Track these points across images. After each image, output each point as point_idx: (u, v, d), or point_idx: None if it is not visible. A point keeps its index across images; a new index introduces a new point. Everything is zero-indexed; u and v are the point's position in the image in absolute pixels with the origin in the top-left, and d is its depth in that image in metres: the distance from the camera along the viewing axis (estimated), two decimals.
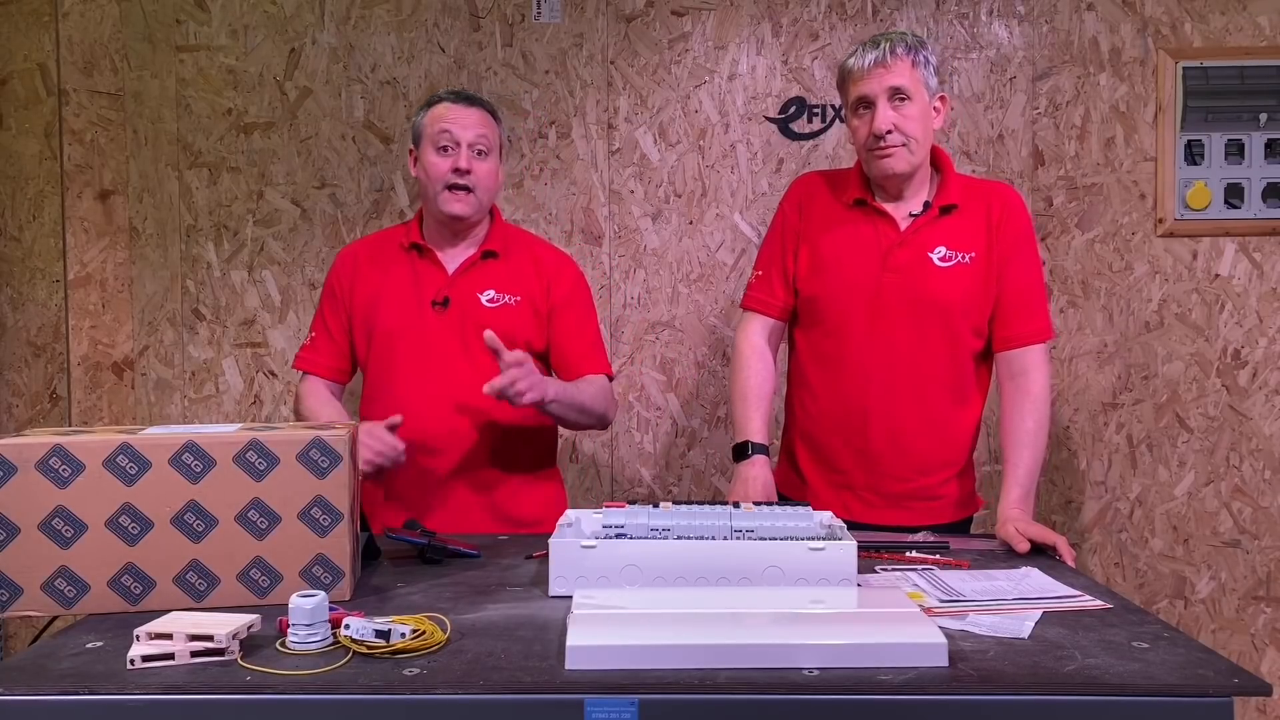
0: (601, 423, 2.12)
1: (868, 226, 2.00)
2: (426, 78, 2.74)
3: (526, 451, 2.10)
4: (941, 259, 1.97)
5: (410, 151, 2.11)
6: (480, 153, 2.02)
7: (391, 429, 1.90)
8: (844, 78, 1.99)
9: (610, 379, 2.14)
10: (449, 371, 2.03)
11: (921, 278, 1.96)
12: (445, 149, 2.00)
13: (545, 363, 2.12)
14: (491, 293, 2.06)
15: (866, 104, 1.94)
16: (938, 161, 2.04)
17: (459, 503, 2.04)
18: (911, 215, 1.99)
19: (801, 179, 2.15)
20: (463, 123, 2.01)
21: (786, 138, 2.76)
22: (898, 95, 1.92)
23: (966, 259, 1.97)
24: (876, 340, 1.97)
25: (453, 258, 2.09)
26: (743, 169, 2.76)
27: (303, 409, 2.09)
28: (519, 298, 2.08)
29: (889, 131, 1.92)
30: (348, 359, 2.14)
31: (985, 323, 1.99)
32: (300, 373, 2.15)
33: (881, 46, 1.93)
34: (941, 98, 1.99)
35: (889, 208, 2.00)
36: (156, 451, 1.43)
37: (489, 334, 1.86)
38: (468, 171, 1.99)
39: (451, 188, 2.00)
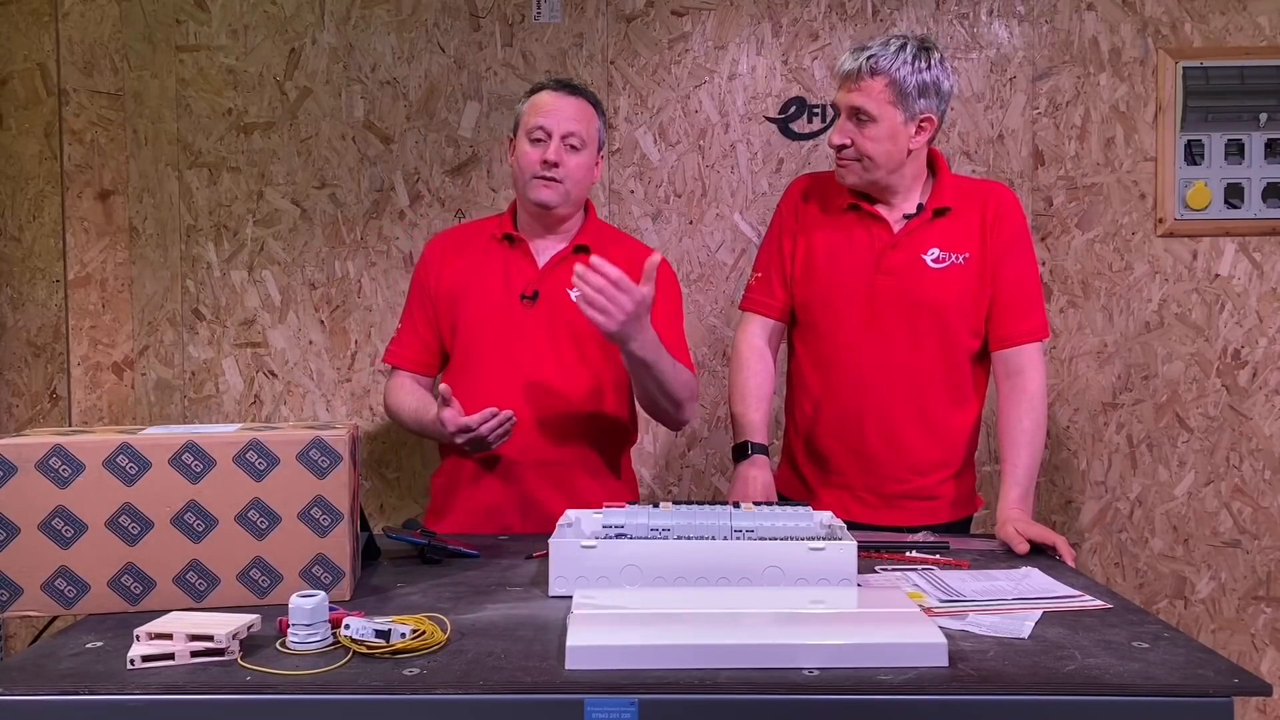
0: (679, 413, 2.02)
1: (861, 229, 2.01)
2: (426, 78, 2.74)
3: (604, 449, 2.08)
4: (935, 260, 1.97)
5: (509, 140, 2.08)
6: (572, 147, 1.98)
7: (446, 401, 1.85)
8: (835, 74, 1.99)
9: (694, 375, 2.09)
10: (534, 366, 2.00)
11: (915, 279, 1.96)
12: (539, 140, 1.98)
13: None
14: None
15: (838, 112, 1.96)
16: (932, 163, 2.03)
17: (538, 499, 2.00)
18: (905, 217, 1.99)
19: (798, 181, 2.15)
20: (558, 115, 1.98)
21: (786, 138, 2.76)
22: (861, 114, 1.91)
23: (960, 260, 1.97)
24: (871, 342, 1.98)
25: (544, 250, 2.06)
26: (743, 169, 2.76)
27: (390, 404, 2.09)
28: None
29: (843, 146, 1.93)
30: (434, 353, 2.10)
31: (982, 323, 1.99)
32: (390, 368, 2.14)
33: (860, 60, 1.89)
34: (928, 119, 1.93)
35: (882, 210, 2.00)
36: (156, 451, 1.43)
37: (595, 259, 1.76)
38: (555, 164, 1.96)
39: (539, 176, 1.97)
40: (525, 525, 1.98)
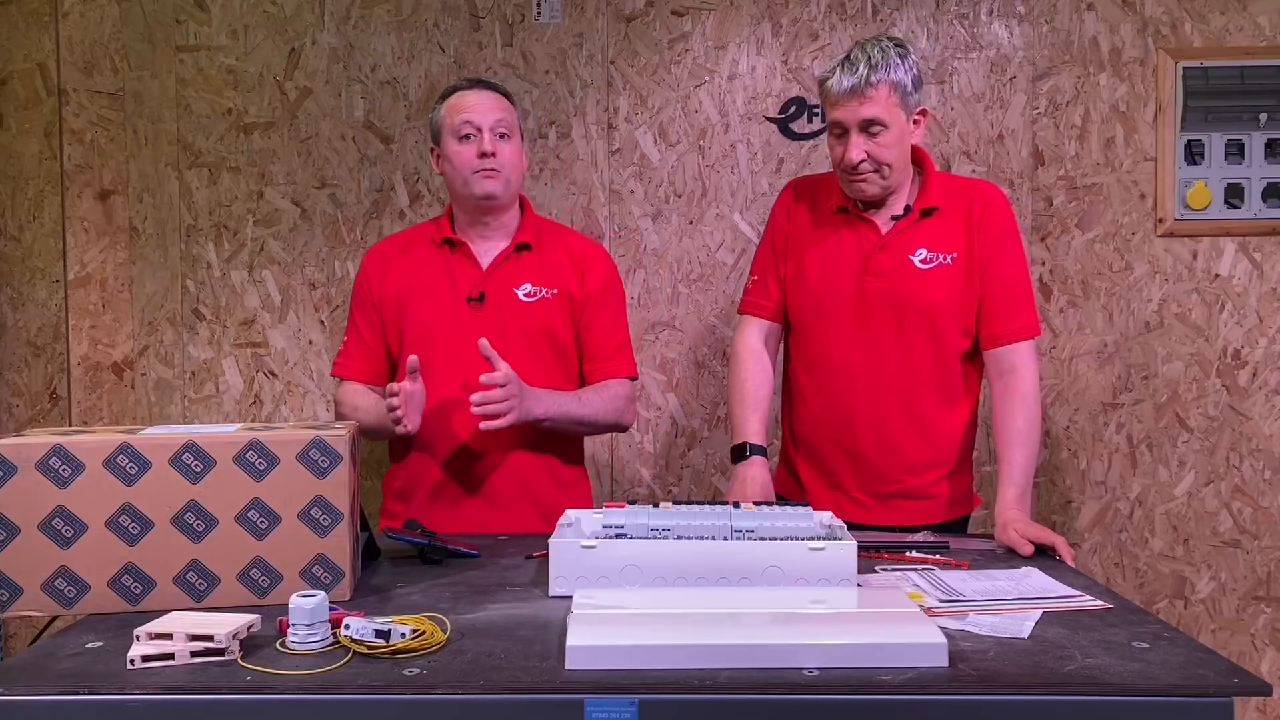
0: (616, 429, 2.12)
1: (850, 232, 2.01)
2: (426, 78, 2.74)
3: (559, 446, 2.08)
4: (923, 261, 1.97)
5: (432, 150, 2.08)
6: (502, 135, 2.00)
7: (412, 372, 1.86)
8: (822, 94, 1.96)
9: (634, 379, 2.13)
10: (486, 367, 1.98)
11: (903, 280, 1.97)
12: (468, 137, 1.98)
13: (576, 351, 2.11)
14: (529, 286, 2.04)
15: (841, 129, 1.93)
16: (919, 162, 2.04)
17: (497, 499, 2.01)
18: (893, 218, 2.00)
19: (792, 184, 2.16)
20: (481, 109, 1.99)
21: (786, 138, 2.76)
22: (872, 125, 1.90)
23: (948, 260, 1.97)
24: (861, 343, 1.98)
25: (486, 251, 2.06)
26: (743, 169, 2.76)
27: (345, 409, 2.05)
28: (555, 291, 2.05)
29: (861, 161, 1.92)
30: (383, 361, 2.09)
31: (972, 322, 2.00)
32: (338, 380, 2.13)
33: (859, 72, 1.88)
34: (922, 111, 1.96)
35: (870, 213, 2.01)
36: (156, 451, 1.43)
37: (483, 343, 1.86)
38: (493, 154, 1.97)
39: (478, 170, 1.98)
40: (486, 525, 1.97)
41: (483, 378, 1.84)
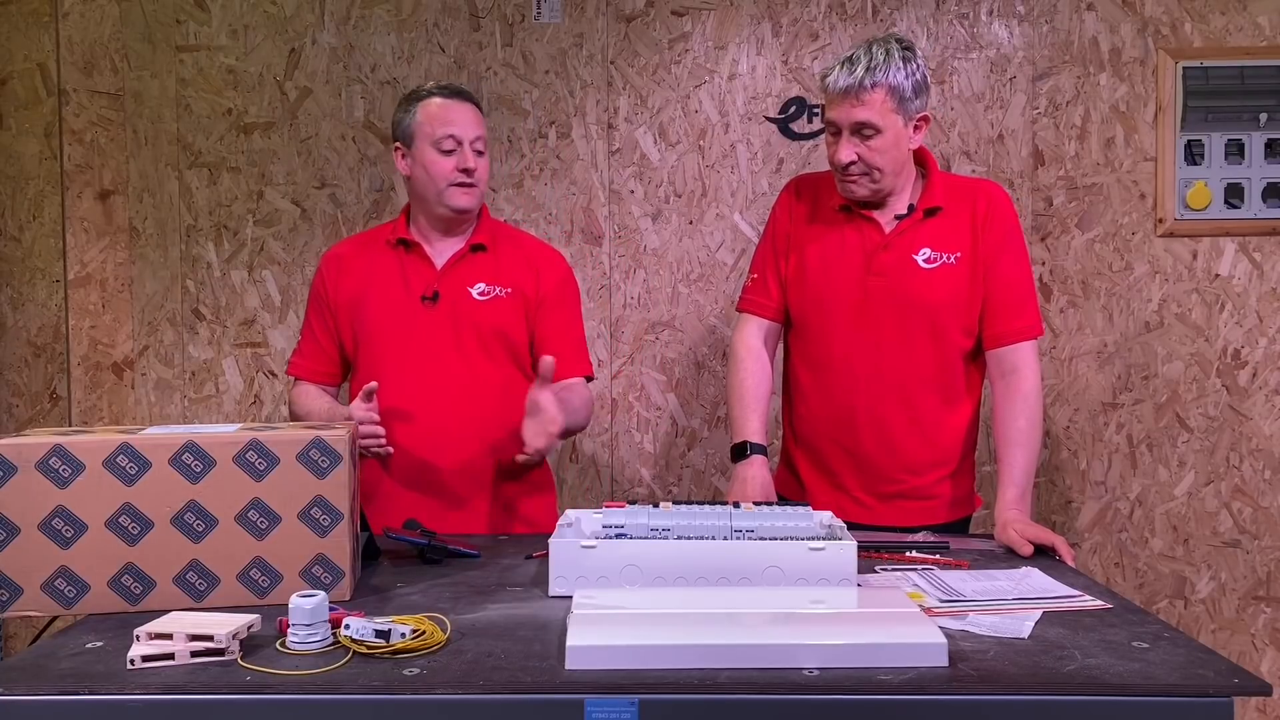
0: (580, 430, 2.17)
1: (852, 230, 2.01)
2: (426, 78, 2.74)
3: (517, 446, 2.07)
4: (926, 260, 1.97)
5: (397, 149, 2.05)
6: (479, 151, 2.01)
7: (368, 396, 1.86)
8: (823, 88, 1.95)
9: (590, 379, 2.14)
10: (440, 366, 2.02)
11: (906, 280, 1.96)
12: (450, 151, 1.98)
13: (530, 352, 2.11)
14: (482, 285, 2.05)
15: (835, 129, 1.92)
16: (922, 162, 2.03)
17: (456, 498, 2.03)
18: (896, 218, 1.99)
19: (793, 182, 2.15)
20: (463, 122, 2.00)
21: (786, 138, 2.76)
22: (865, 128, 1.88)
23: (952, 259, 1.97)
24: (863, 343, 1.98)
25: (441, 252, 2.07)
26: (743, 169, 2.76)
27: (297, 412, 2.08)
28: (510, 290, 2.06)
29: (851, 163, 1.91)
30: (336, 363, 2.11)
31: (974, 322, 1.99)
32: (292, 380, 2.15)
33: (857, 75, 1.86)
34: (924, 117, 1.94)
35: (874, 211, 2.00)
36: (156, 451, 1.43)
37: (547, 360, 1.85)
38: (473, 170, 1.99)
39: (457, 184, 1.99)
40: (446, 525, 1.94)
41: (547, 410, 1.84)
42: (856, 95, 1.87)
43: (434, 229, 2.07)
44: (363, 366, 2.07)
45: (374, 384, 1.86)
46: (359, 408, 1.86)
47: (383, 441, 1.88)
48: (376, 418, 1.86)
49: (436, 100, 2.02)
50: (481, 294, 2.05)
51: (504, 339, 2.05)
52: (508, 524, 2.04)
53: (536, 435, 1.85)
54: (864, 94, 1.86)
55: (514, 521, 2.05)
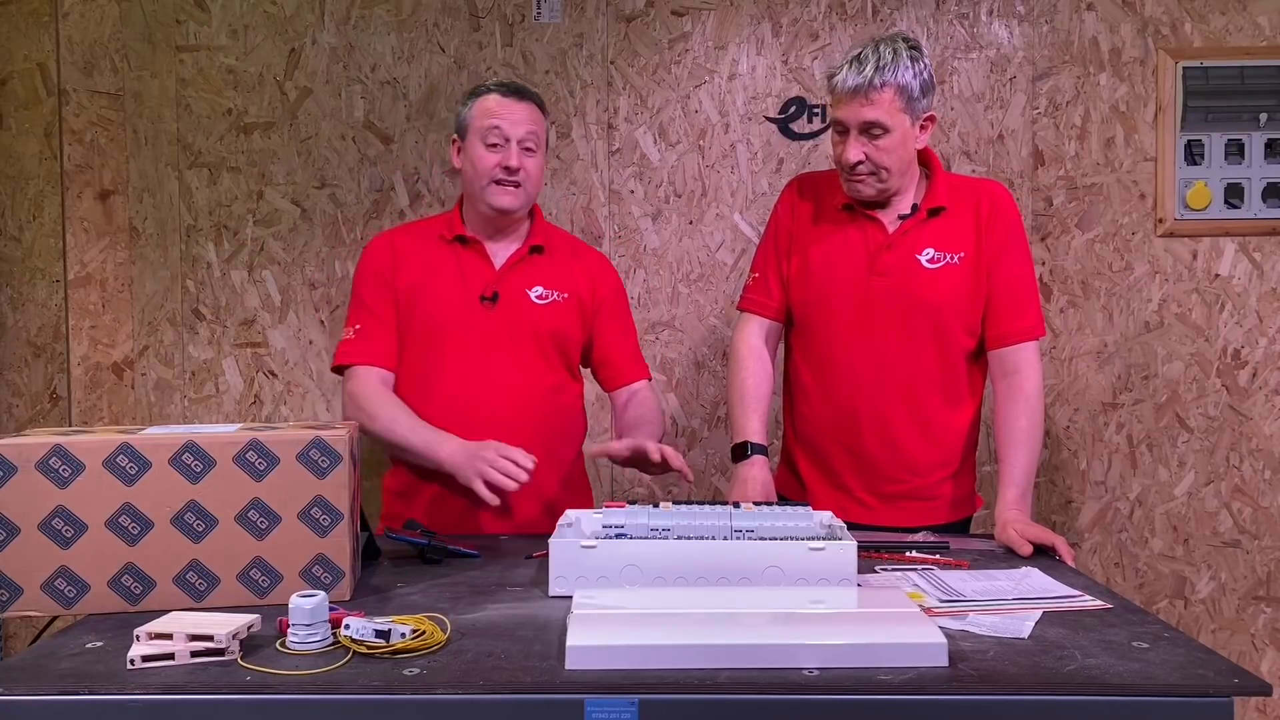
0: None
1: (856, 230, 2.01)
2: (426, 78, 2.74)
3: (565, 449, 2.09)
4: (930, 260, 1.97)
5: (454, 141, 2.04)
6: (529, 149, 1.98)
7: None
8: (829, 88, 1.95)
9: (651, 380, 2.18)
10: (497, 368, 1.99)
11: (909, 280, 1.96)
12: (495, 145, 1.96)
13: (583, 357, 2.13)
14: (540, 289, 2.04)
15: (843, 127, 1.92)
16: (926, 162, 2.03)
17: (504, 502, 1.94)
18: (900, 217, 1.99)
19: (795, 181, 2.15)
20: (513, 119, 1.97)
21: (786, 138, 2.76)
22: (874, 128, 1.88)
23: (955, 259, 1.97)
24: (866, 343, 1.98)
25: (499, 252, 2.05)
26: (743, 169, 2.76)
27: (370, 408, 1.94)
28: (567, 294, 2.06)
29: (859, 162, 1.91)
30: (396, 347, 2.02)
31: (978, 322, 1.99)
32: (343, 373, 2.03)
33: (866, 74, 1.85)
34: (930, 117, 1.94)
35: (877, 211, 2.00)
36: (156, 451, 1.43)
37: (653, 448, 1.87)
38: (518, 169, 1.96)
39: (499, 181, 1.96)
40: (495, 526, 1.96)
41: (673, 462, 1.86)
42: (865, 95, 1.86)
43: (486, 228, 2.04)
44: (416, 361, 2.01)
45: (531, 461, 1.80)
46: (512, 449, 1.80)
47: (514, 484, 1.79)
48: (526, 462, 1.78)
49: (493, 96, 1.99)
50: (540, 298, 2.03)
51: (559, 343, 2.05)
52: (550, 526, 2.01)
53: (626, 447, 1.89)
54: (873, 93, 1.86)
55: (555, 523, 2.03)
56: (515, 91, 2.01)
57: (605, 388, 2.18)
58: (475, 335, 2.00)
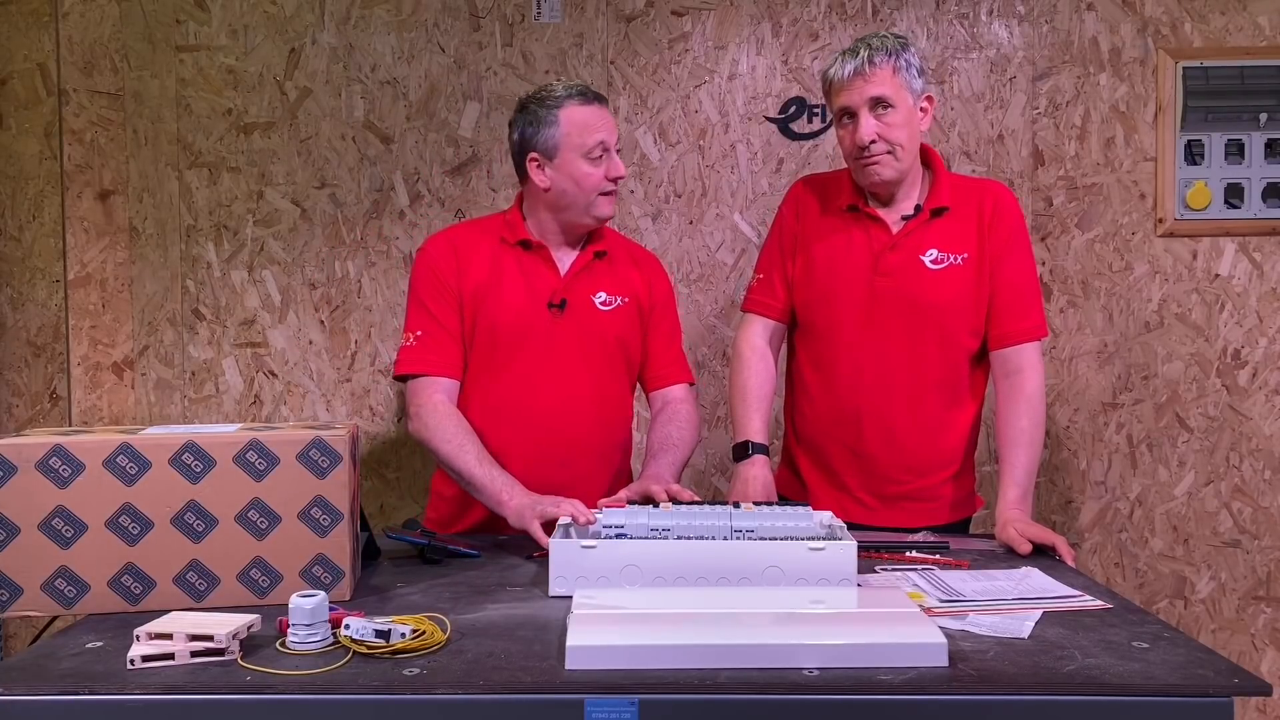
0: None
1: (860, 231, 2.01)
2: (426, 78, 2.74)
3: (618, 454, 2.08)
4: (933, 261, 1.97)
5: (533, 160, 1.94)
6: (618, 151, 1.98)
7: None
8: (827, 87, 1.97)
9: (692, 385, 2.14)
10: (568, 376, 1.96)
11: (913, 281, 1.96)
12: (599, 158, 1.92)
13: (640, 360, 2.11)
14: (604, 295, 2.01)
15: (849, 114, 1.93)
16: (929, 162, 2.04)
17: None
18: (904, 218, 2.00)
19: (800, 182, 2.15)
20: (608, 127, 1.94)
21: (786, 138, 2.76)
22: (880, 104, 1.90)
23: (959, 260, 1.97)
24: (869, 343, 1.98)
25: (564, 258, 2.01)
26: (743, 169, 2.76)
27: (435, 424, 1.88)
28: (627, 299, 2.04)
29: (873, 142, 1.91)
30: (462, 355, 1.96)
31: (981, 323, 2.00)
32: (404, 382, 1.97)
33: (860, 55, 1.90)
34: (928, 98, 1.97)
35: (881, 212, 2.01)
36: (156, 451, 1.43)
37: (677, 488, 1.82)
38: (624, 176, 1.97)
39: (606, 192, 1.95)
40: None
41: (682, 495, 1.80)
42: (866, 73, 1.90)
43: (556, 234, 2.00)
44: (483, 369, 1.96)
45: (575, 518, 1.68)
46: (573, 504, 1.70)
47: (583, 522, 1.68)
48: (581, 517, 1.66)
49: (584, 108, 1.93)
50: (604, 304, 2.01)
51: (624, 349, 2.03)
52: None
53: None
54: (873, 71, 1.90)
55: None
56: (596, 97, 1.96)
57: (645, 389, 2.13)
58: (544, 343, 1.95)
